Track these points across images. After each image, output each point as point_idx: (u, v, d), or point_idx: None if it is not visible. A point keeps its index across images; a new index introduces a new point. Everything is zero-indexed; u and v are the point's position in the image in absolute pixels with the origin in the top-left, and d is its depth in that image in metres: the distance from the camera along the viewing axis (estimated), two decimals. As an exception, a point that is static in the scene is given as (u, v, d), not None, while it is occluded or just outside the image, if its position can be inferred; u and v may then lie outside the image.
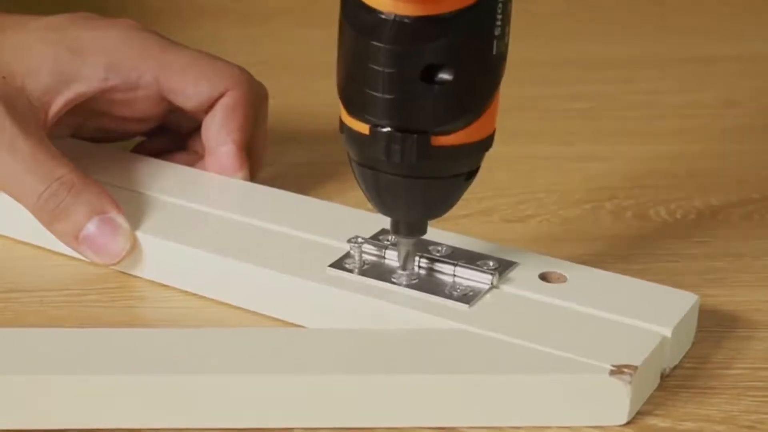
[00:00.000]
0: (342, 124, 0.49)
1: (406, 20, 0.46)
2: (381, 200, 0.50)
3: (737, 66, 0.85)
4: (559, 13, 0.95)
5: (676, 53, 0.87)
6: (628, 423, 0.48)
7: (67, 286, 0.57)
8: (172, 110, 0.63)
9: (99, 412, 0.48)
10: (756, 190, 0.67)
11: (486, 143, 0.49)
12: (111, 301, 0.56)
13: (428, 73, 0.46)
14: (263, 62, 0.70)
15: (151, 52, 0.61)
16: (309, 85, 0.80)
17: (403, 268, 0.52)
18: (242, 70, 0.63)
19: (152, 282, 0.57)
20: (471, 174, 0.50)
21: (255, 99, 0.63)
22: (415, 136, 0.47)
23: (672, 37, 0.90)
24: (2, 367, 0.48)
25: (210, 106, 0.62)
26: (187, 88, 0.61)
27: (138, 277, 0.57)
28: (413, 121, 0.47)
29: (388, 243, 0.54)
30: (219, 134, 0.62)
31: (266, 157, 0.65)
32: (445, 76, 0.47)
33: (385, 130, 0.48)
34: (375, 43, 0.46)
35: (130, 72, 0.60)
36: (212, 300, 0.56)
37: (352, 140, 0.49)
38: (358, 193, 0.65)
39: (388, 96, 0.47)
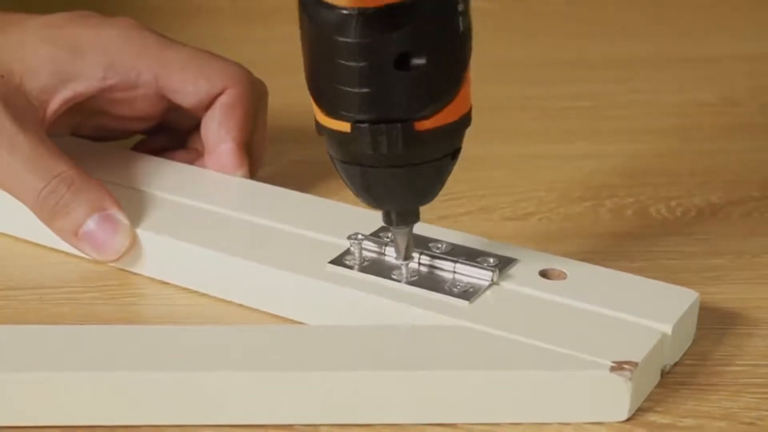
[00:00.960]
0: (319, 125, 0.49)
1: (369, 12, 0.45)
2: (371, 195, 0.50)
3: (737, 65, 0.85)
4: (559, 13, 0.95)
5: (676, 52, 0.87)
6: (629, 419, 0.48)
7: (67, 283, 0.57)
8: (172, 108, 0.63)
9: (99, 409, 0.48)
10: (756, 188, 0.67)
11: (466, 120, 0.49)
12: (111, 299, 0.56)
13: (401, 61, 0.46)
14: (262, 61, 0.69)
15: (150, 51, 0.61)
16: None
17: (405, 258, 0.52)
18: (241, 67, 0.63)
19: (152, 279, 0.57)
20: (455, 153, 0.50)
21: (254, 96, 0.63)
22: (399, 124, 0.47)
23: (672, 36, 0.90)
24: (2, 364, 0.48)
25: (209, 104, 0.62)
26: (186, 86, 0.61)
27: (138, 274, 0.57)
28: (394, 110, 0.47)
29: (388, 240, 0.54)
30: (218, 132, 0.62)
31: (266, 154, 0.65)
32: (418, 60, 0.46)
33: (366, 124, 0.47)
34: (343, 39, 0.46)
35: (129, 71, 0.60)
36: (212, 297, 0.56)
37: (333, 140, 0.49)
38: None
39: (365, 90, 0.46)
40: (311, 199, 0.60)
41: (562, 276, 0.53)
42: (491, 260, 0.53)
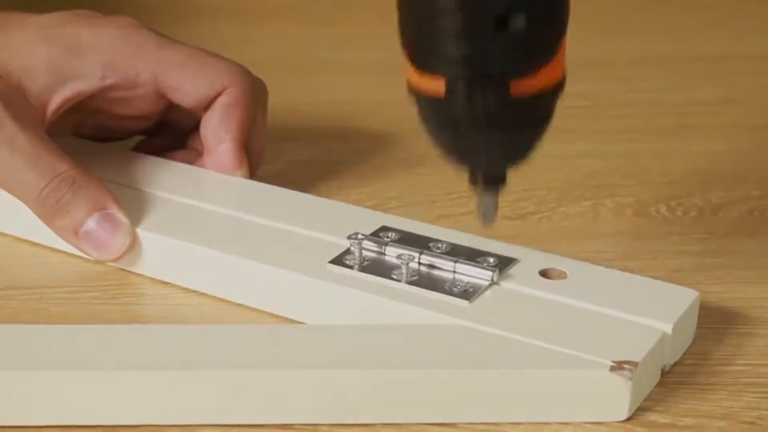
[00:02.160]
0: (411, 87, 0.48)
1: None
2: (464, 157, 0.49)
3: (737, 64, 0.85)
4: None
5: (676, 52, 0.87)
6: (629, 419, 0.48)
7: (67, 283, 0.57)
8: (172, 108, 0.63)
9: (99, 408, 0.48)
10: (756, 187, 0.67)
11: (561, 84, 0.49)
12: (111, 298, 0.56)
13: (501, 19, 0.46)
14: (263, 60, 0.69)
15: (149, 50, 0.61)
16: (309, 82, 0.81)
17: (486, 221, 0.51)
18: (241, 67, 0.63)
19: (152, 279, 0.57)
20: (547, 118, 0.49)
21: (254, 96, 0.62)
22: (497, 82, 0.47)
23: (672, 35, 0.90)
24: (1, 363, 0.48)
25: (209, 104, 0.62)
26: (186, 85, 0.61)
27: (138, 273, 0.57)
28: (491, 67, 0.46)
29: (388, 240, 0.54)
30: (218, 132, 0.62)
31: (266, 154, 0.65)
32: (519, 17, 0.46)
33: (463, 82, 0.47)
34: None
35: (128, 70, 0.60)
36: (212, 297, 0.56)
37: (428, 105, 0.48)
38: (359, 190, 0.66)
39: (465, 45, 0.46)
40: (311, 198, 0.60)
41: (562, 276, 0.53)
42: (491, 260, 0.53)
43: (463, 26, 0.46)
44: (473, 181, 0.50)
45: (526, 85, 0.47)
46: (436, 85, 0.47)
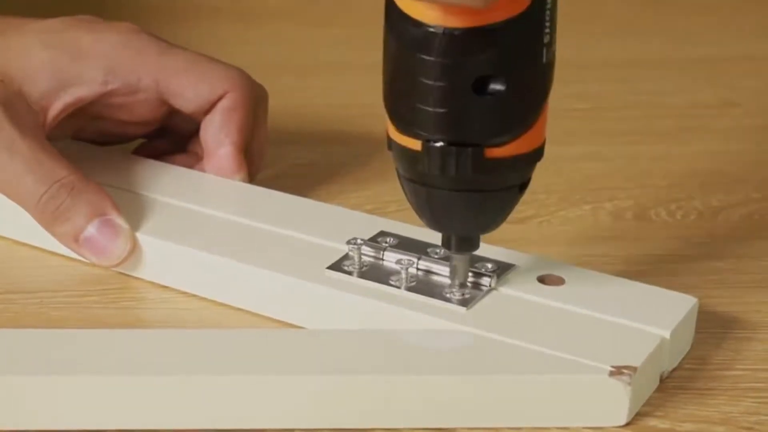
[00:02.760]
0: (390, 140, 0.49)
1: (455, 32, 0.45)
2: (434, 216, 0.49)
3: (737, 66, 0.85)
4: (559, 13, 0.95)
5: (676, 53, 0.87)
6: (628, 424, 0.48)
7: (67, 287, 0.57)
8: (172, 113, 0.63)
9: (99, 412, 0.48)
10: (756, 191, 0.67)
11: (538, 153, 0.49)
12: (111, 302, 0.56)
13: (480, 85, 0.46)
14: (263, 63, 0.70)
15: (151, 56, 0.61)
16: (309, 85, 0.81)
17: (460, 285, 0.51)
18: (241, 72, 0.63)
19: (152, 283, 0.57)
20: (523, 185, 0.49)
21: (254, 101, 0.63)
22: (470, 149, 0.47)
23: (672, 37, 0.90)
24: (2, 367, 0.48)
25: (209, 108, 0.62)
26: (187, 90, 0.61)
27: (138, 278, 0.57)
28: (467, 133, 0.47)
29: (387, 245, 0.54)
30: (218, 136, 0.62)
31: (266, 158, 0.65)
32: (497, 86, 0.46)
33: (438, 144, 0.47)
34: (425, 57, 0.45)
35: (129, 75, 0.60)
36: (212, 301, 0.56)
37: (403, 157, 0.48)
38: (358, 194, 0.66)
39: (440, 110, 0.46)
40: (310, 203, 0.60)
41: (560, 282, 0.53)
42: (489, 266, 0.53)
43: (441, 94, 0.46)
44: (446, 245, 0.51)
45: (501, 152, 0.47)
46: (413, 144, 0.48)
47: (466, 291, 0.52)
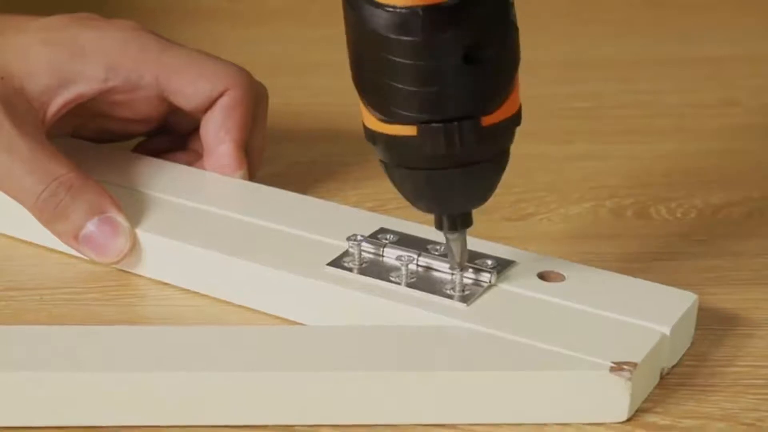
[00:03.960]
0: (373, 133, 0.48)
1: (434, 8, 0.45)
2: (434, 198, 0.49)
3: (737, 65, 0.85)
4: (558, 13, 0.95)
5: (676, 53, 0.87)
6: (628, 420, 0.48)
7: (67, 284, 0.57)
8: (172, 110, 0.63)
9: (99, 409, 0.48)
10: (756, 189, 0.67)
11: (520, 114, 0.49)
12: (111, 299, 0.56)
13: (470, 56, 0.46)
14: (263, 62, 0.70)
15: (151, 53, 0.61)
16: (308, 84, 0.81)
17: (460, 266, 0.51)
18: (242, 69, 0.63)
19: (152, 280, 0.57)
20: (508, 151, 0.50)
21: (254, 98, 0.63)
22: (470, 120, 0.47)
23: (672, 36, 0.90)
24: (2, 364, 0.48)
25: (209, 106, 0.62)
26: (187, 88, 0.61)
27: (138, 275, 0.57)
28: (463, 106, 0.47)
29: (387, 241, 0.54)
30: (218, 134, 0.62)
31: (265, 155, 0.65)
32: (485, 53, 0.46)
33: (437, 124, 0.47)
34: (408, 38, 0.45)
35: (129, 73, 0.60)
36: (212, 298, 0.56)
37: (394, 146, 0.48)
38: (357, 192, 0.66)
39: (433, 88, 0.46)
40: (310, 200, 0.60)
41: (560, 278, 0.53)
42: (489, 262, 0.53)
43: (432, 73, 0.46)
44: (439, 225, 0.50)
45: (494, 118, 0.48)
46: (408, 130, 0.47)
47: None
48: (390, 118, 0.47)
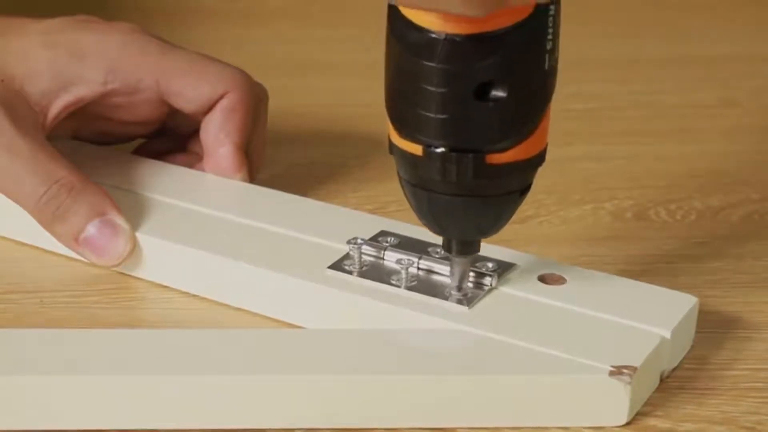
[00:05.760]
0: (392, 144, 0.49)
1: (457, 39, 0.45)
2: (435, 220, 0.49)
3: (737, 66, 0.85)
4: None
5: (676, 53, 0.87)
6: (628, 424, 0.48)
7: (68, 286, 0.57)
8: (173, 113, 0.63)
9: (99, 412, 0.48)
10: (756, 191, 0.67)
11: (539, 159, 0.49)
12: (111, 302, 0.56)
13: (481, 91, 0.46)
14: (263, 63, 0.70)
15: (151, 56, 0.61)
16: (308, 85, 0.81)
17: (459, 288, 0.51)
18: (241, 72, 0.63)
19: (152, 283, 0.57)
20: (524, 190, 0.49)
21: (254, 101, 0.63)
22: (471, 155, 0.47)
23: (671, 36, 0.90)
24: (2, 367, 0.48)
25: (210, 108, 0.62)
26: (187, 90, 0.61)
27: (138, 278, 0.57)
28: (468, 140, 0.47)
29: (387, 245, 0.54)
30: (218, 136, 0.62)
31: (265, 158, 0.65)
32: (498, 93, 0.46)
33: (439, 150, 0.47)
34: (427, 63, 0.45)
35: (129, 76, 0.60)
36: (212, 301, 0.56)
37: (404, 161, 0.48)
38: (358, 194, 0.66)
39: (441, 116, 0.46)
40: (310, 203, 0.60)
41: (561, 281, 0.53)
42: (490, 265, 0.53)
43: (444, 98, 0.46)
44: (447, 249, 0.50)
45: (502, 158, 0.47)
46: (414, 148, 0.48)
47: (467, 292, 0.52)
48: (402, 133, 0.48)
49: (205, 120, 0.62)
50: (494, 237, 0.56)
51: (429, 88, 0.46)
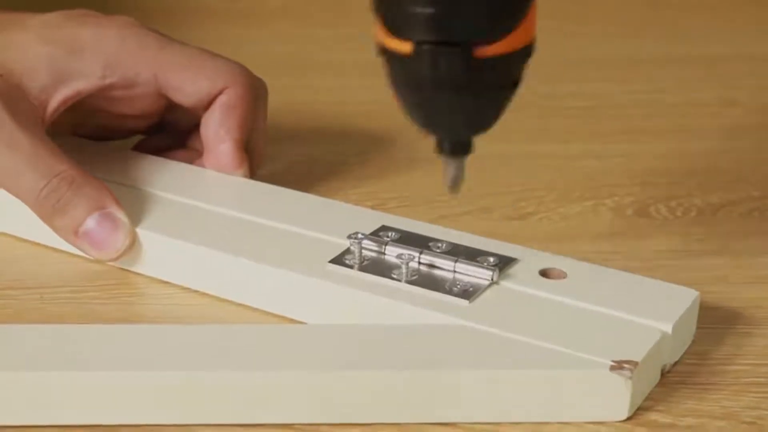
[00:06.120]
0: (380, 47, 0.48)
1: None
2: (428, 119, 0.49)
3: (737, 65, 0.85)
4: (559, 13, 0.95)
5: (676, 52, 0.87)
6: (629, 419, 0.48)
7: (67, 282, 0.57)
8: (172, 107, 0.63)
9: (99, 408, 0.48)
10: (756, 188, 0.67)
11: (528, 50, 0.48)
12: (111, 298, 0.56)
13: None
14: (263, 61, 0.69)
15: (149, 50, 0.61)
16: (309, 82, 0.81)
17: (453, 189, 0.50)
18: (241, 66, 0.63)
19: (152, 278, 0.57)
20: (515, 84, 0.49)
21: (254, 96, 0.62)
22: (459, 49, 0.46)
23: (672, 36, 0.91)
24: (2, 363, 0.48)
25: (209, 104, 0.62)
26: (186, 85, 0.61)
27: (138, 273, 0.57)
28: (457, 32, 0.46)
29: (388, 239, 0.54)
30: (218, 132, 0.62)
31: (266, 154, 0.65)
32: None
33: (428, 46, 0.46)
34: None
35: (128, 70, 0.60)
36: (212, 296, 0.56)
37: (393, 61, 0.48)
38: (359, 190, 0.66)
39: (429, 9, 0.45)
40: (311, 198, 0.60)
41: (562, 275, 0.53)
42: (491, 259, 0.53)
43: None
44: (439, 149, 0.50)
45: (491, 50, 0.47)
46: (403, 46, 0.47)
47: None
48: (393, 32, 0.47)
49: (205, 116, 0.62)
50: (494, 233, 0.56)
51: None
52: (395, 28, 0.47)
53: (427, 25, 0.46)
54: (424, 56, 0.47)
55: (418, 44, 0.46)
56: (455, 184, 0.50)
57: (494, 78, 0.48)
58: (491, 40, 0.47)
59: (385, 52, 0.48)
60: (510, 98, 0.49)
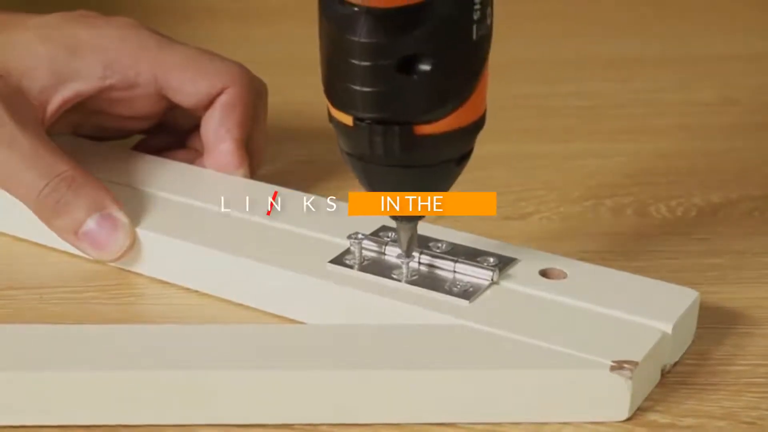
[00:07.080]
0: (329, 114, 0.49)
1: (377, 12, 0.45)
2: (373, 188, 0.49)
3: (737, 64, 0.85)
4: (559, 13, 0.95)
5: (676, 51, 0.87)
6: (629, 419, 0.48)
7: (67, 282, 0.57)
8: (172, 108, 0.63)
9: (98, 408, 0.48)
10: (756, 188, 0.67)
11: (475, 126, 0.48)
12: (110, 298, 0.56)
13: (406, 65, 0.45)
14: (263, 61, 0.69)
15: (149, 50, 0.61)
16: (309, 82, 0.80)
17: (407, 254, 0.51)
18: (241, 66, 0.63)
19: (152, 278, 0.57)
20: (463, 158, 0.49)
21: (254, 96, 0.63)
22: (398, 127, 0.46)
23: (672, 36, 0.91)
24: (2, 363, 0.48)
25: (209, 104, 0.62)
26: (186, 85, 0.61)
27: (137, 273, 0.57)
28: (395, 113, 0.46)
29: (388, 239, 0.54)
30: (218, 132, 0.62)
31: (266, 154, 0.65)
32: (423, 66, 0.45)
33: (367, 123, 0.47)
34: (350, 37, 0.45)
35: (127, 70, 0.60)
36: (212, 296, 0.56)
37: (339, 131, 0.48)
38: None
39: (366, 89, 0.46)
40: (310, 198, 0.60)
41: (562, 275, 0.53)
42: (491, 260, 0.53)
43: (367, 72, 0.45)
44: (394, 216, 0.50)
45: (431, 128, 0.47)
46: (345, 119, 0.48)
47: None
48: (335, 105, 0.48)
49: (206, 116, 0.62)
50: (493, 233, 0.56)
51: (353, 61, 0.45)
52: (337, 101, 0.47)
53: (365, 103, 0.46)
54: (363, 130, 0.47)
55: (357, 119, 0.47)
56: (409, 248, 0.51)
57: (436, 154, 0.48)
58: (431, 121, 0.47)
59: (332, 120, 0.48)
60: (458, 171, 0.49)
